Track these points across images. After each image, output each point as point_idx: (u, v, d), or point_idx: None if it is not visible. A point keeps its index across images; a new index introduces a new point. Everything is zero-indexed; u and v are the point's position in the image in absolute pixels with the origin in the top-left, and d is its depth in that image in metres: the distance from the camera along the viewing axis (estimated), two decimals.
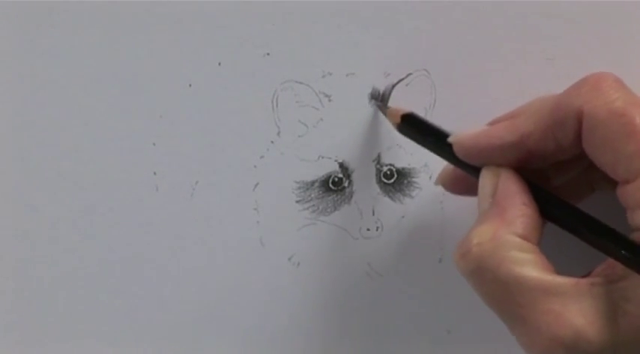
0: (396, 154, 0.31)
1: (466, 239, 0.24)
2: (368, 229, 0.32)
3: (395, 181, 0.31)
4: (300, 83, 0.30)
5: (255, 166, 0.31)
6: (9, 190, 0.31)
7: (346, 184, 0.31)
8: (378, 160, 0.31)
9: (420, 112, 0.30)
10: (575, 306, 0.22)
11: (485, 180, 0.26)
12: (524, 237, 0.24)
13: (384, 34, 0.30)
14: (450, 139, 0.26)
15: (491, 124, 0.27)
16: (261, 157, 0.31)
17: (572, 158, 0.26)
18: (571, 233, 0.25)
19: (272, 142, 0.31)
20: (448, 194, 0.31)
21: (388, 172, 0.31)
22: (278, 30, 0.30)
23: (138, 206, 0.31)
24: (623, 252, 0.22)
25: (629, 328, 0.22)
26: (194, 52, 0.30)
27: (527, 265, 0.23)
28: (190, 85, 0.30)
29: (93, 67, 0.30)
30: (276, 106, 0.31)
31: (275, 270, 0.32)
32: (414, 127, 0.28)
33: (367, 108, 0.31)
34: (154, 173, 0.31)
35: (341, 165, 0.31)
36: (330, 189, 0.31)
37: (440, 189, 0.30)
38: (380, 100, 0.30)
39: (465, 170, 0.27)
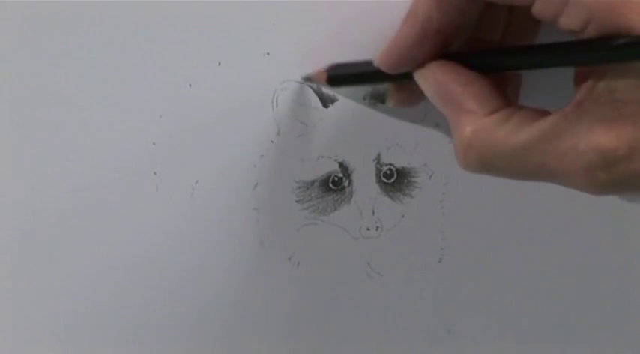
0: (396, 154, 0.31)
1: (458, 143, 0.24)
2: (368, 229, 0.32)
3: (395, 180, 0.31)
4: (300, 83, 0.30)
5: (255, 166, 0.31)
6: (9, 190, 0.31)
7: (346, 184, 0.31)
8: (377, 160, 0.31)
9: (421, 110, 0.30)
10: (584, 125, 0.21)
11: (423, 85, 0.25)
12: (493, 110, 0.23)
13: (383, 34, 0.30)
14: (375, 64, 0.26)
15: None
16: (261, 157, 0.31)
17: (490, 9, 0.25)
18: (530, 69, 0.24)
19: (272, 142, 0.31)
20: (448, 194, 0.31)
21: (388, 172, 0.31)
22: (278, 30, 0.30)
23: (138, 206, 0.31)
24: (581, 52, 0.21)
25: (633, 112, 0.21)
26: (194, 52, 0.30)
27: (518, 130, 0.22)
28: (190, 85, 0.30)
29: (93, 67, 0.30)
30: (276, 106, 0.31)
31: (275, 270, 0.32)
32: (342, 76, 0.29)
33: (367, 108, 0.31)
34: (154, 173, 0.31)
35: (341, 165, 0.31)
36: (330, 189, 0.31)
37: (440, 189, 0.30)
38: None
39: (410, 80, 0.26)
